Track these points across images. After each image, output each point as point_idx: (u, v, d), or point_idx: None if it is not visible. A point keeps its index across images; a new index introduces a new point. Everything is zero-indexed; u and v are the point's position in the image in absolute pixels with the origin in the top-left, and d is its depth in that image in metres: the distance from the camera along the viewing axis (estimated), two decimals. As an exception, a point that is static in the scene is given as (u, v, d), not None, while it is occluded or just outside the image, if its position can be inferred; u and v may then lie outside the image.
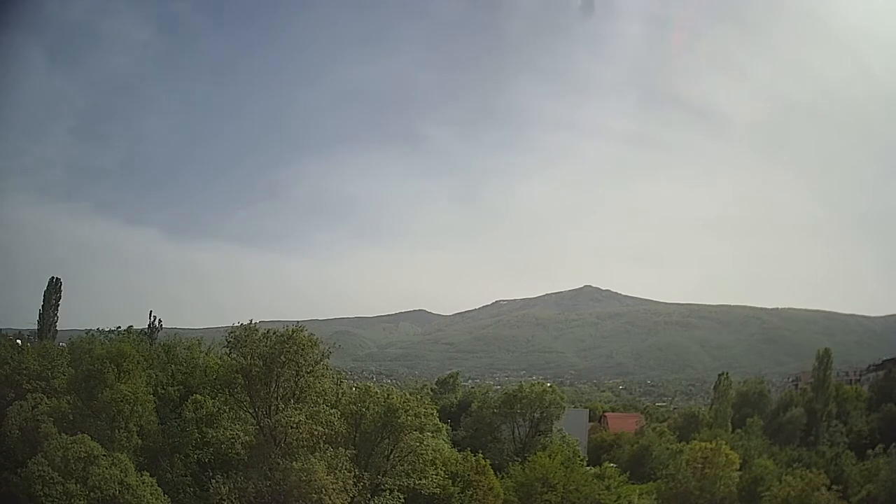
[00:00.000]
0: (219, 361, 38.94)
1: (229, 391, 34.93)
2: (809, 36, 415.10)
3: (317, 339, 35.20)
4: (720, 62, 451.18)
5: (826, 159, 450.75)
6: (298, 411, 32.53)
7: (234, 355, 33.98)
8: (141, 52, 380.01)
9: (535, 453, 45.28)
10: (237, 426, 32.82)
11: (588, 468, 47.95)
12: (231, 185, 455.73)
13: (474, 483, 39.34)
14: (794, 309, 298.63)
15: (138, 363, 36.38)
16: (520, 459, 47.44)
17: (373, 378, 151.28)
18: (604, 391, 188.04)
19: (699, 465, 43.98)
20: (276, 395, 33.63)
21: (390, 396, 35.47)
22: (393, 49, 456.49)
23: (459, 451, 43.86)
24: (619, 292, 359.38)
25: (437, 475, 36.02)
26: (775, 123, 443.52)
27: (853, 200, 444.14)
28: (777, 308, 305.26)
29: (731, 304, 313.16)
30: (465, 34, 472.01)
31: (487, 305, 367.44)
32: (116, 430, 32.32)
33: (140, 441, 33.09)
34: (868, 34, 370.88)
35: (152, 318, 55.10)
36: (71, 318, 69.41)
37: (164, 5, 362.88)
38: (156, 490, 29.48)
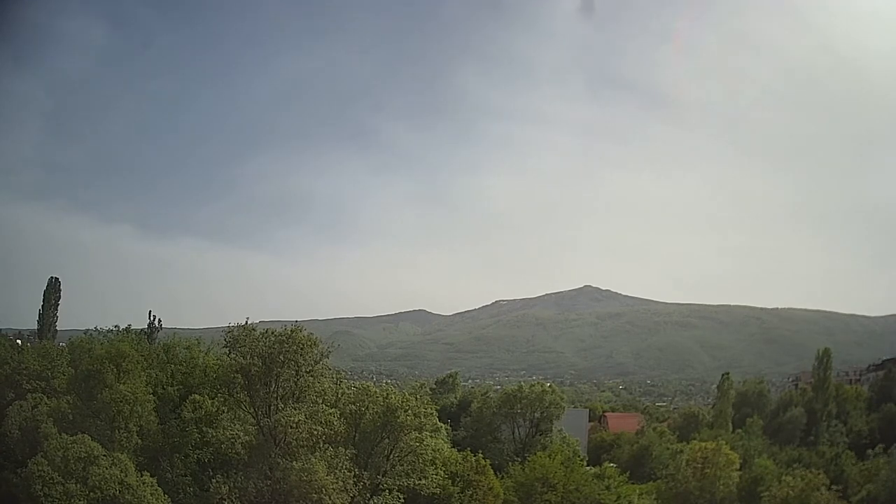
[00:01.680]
0: (218, 361, 38.87)
1: (229, 391, 34.92)
2: (769, 13, 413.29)
3: (316, 338, 35.15)
4: (691, 51, 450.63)
5: (816, 155, 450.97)
6: (298, 411, 32.48)
7: (234, 355, 33.95)
8: (98, 51, 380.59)
9: (535, 453, 45.30)
10: (237, 426, 32.79)
11: (588, 468, 47.90)
12: (224, 185, 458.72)
13: (474, 483, 39.31)
14: (794, 309, 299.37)
15: (138, 363, 36.34)
16: (520, 459, 47.43)
17: (373, 378, 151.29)
18: (604, 391, 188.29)
19: (699, 465, 43.99)
20: (275, 395, 33.58)
21: (389, 396, 35.42)
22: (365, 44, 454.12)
23: (459, 451, 43.77)
24: (619, 292, 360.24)
25: (436, 475, 35.90)
26: (755, 114, 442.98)
27: (847, 197, 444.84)
28: (777, 308, 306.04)
29: (731, 304, 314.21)
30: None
31: (487, 305, 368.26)
32: (116, 430, 32.31)
33: (140, 441, 33.07)
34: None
35: (152, 318, 55.12)
36: (71, 318, 69.56)
37: (115, 4, 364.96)
38: (156, 490, 29.45)
